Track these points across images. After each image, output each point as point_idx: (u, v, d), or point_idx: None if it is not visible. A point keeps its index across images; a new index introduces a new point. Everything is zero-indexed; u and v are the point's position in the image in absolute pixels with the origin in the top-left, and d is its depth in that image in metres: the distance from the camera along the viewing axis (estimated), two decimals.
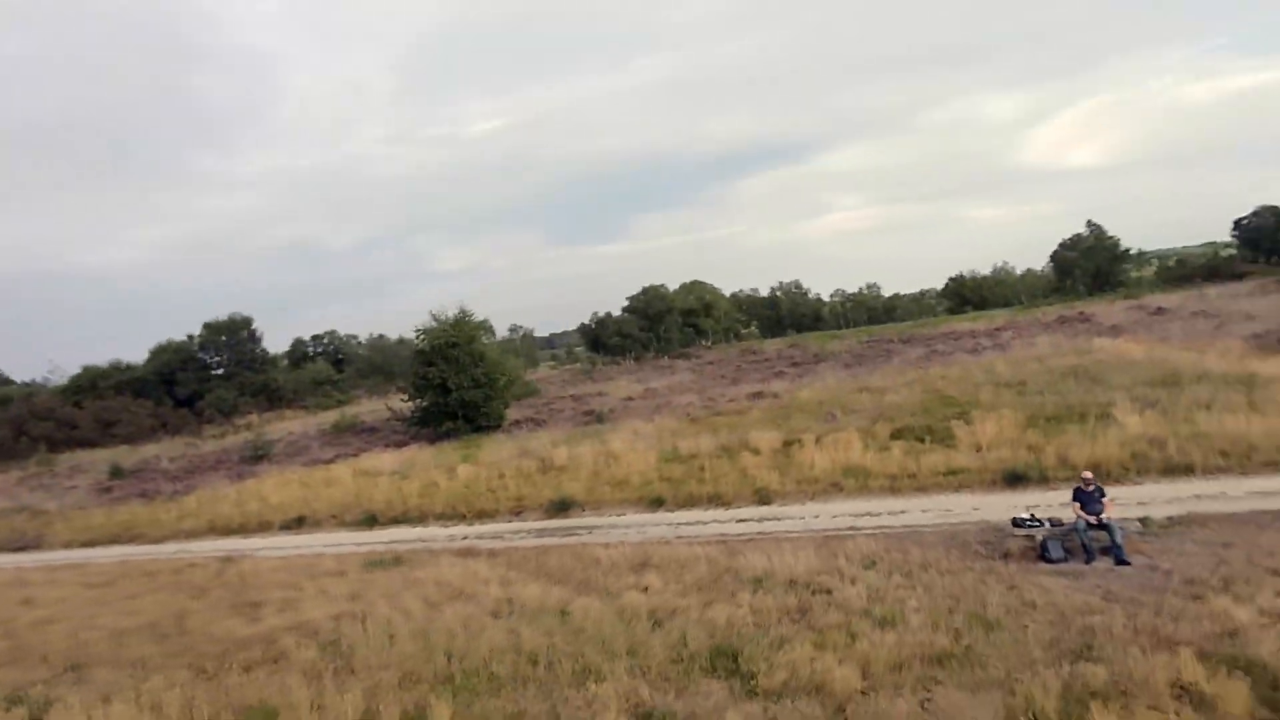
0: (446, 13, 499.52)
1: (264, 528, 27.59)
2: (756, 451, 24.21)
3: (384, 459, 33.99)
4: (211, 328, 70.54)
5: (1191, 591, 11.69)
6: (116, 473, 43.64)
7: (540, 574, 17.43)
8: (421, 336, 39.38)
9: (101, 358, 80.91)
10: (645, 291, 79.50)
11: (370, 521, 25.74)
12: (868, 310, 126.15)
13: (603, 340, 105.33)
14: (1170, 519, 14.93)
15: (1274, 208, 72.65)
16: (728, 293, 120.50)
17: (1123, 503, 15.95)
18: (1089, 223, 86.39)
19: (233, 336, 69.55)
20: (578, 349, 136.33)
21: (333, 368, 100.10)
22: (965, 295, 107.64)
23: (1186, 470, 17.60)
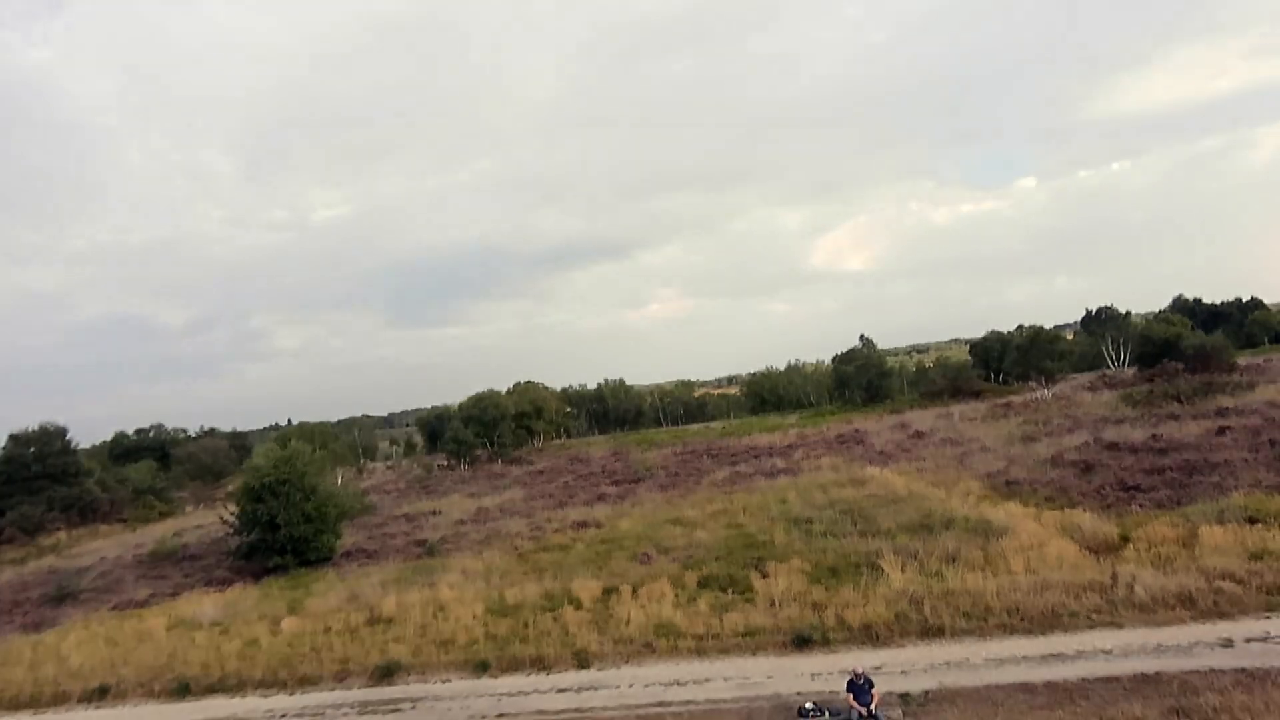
0: (287, 103, 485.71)
1: (60, 700, 23.55)
2: (579, 605, 23.81)
3: (205, 604, 30.44)
4: (19, 439, 61.53)
5: None
6: None
7: None
8: (251, 471, 36.12)
9: None
10: (480, 399, 77.84)
11: (183, 691, 22.72)
12: (683, 405, 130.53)
13: (440, 435, 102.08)
14: (926, 693, 15.92)
15: (999, 333, 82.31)
16: (559, 386, 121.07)
17: (889, 671, 16.96)
18: (861, 337, 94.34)
19: (44, 448, 60.89)
20: (416, 438, 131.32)
21: (157, 465, 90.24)
22: (764, 396, 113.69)
23: (939, 631, 18.90)
